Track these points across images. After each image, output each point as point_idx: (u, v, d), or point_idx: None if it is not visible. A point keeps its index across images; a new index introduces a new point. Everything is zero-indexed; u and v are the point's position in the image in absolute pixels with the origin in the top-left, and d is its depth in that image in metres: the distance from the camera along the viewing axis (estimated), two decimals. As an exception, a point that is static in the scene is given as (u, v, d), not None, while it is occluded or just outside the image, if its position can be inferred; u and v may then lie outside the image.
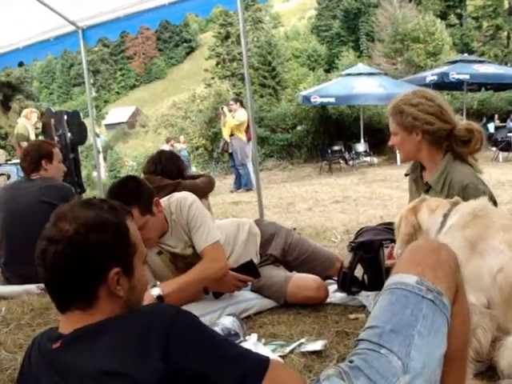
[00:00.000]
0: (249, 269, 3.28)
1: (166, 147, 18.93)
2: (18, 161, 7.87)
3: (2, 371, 2.83)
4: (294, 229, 4.43)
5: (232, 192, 13.32)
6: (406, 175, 3.33)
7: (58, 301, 1.58)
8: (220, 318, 3.02)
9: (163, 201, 3.29)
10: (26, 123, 10.11)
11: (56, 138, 8.61)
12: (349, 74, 20.02)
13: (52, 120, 8.56)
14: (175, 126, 28.95)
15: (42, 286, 4.18)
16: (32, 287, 4.23)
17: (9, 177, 7.11)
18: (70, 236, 1.51)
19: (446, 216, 2.48)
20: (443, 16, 47.49)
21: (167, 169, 4.44)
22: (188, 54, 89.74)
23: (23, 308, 3.77)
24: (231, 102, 13.90)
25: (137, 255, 1.65)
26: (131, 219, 1.70)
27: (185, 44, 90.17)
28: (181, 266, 3.34)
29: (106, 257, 1.56)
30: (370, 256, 3.29)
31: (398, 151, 3.23)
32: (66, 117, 8.46)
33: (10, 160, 8.17)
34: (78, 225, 1.53)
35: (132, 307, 1.62)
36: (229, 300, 3.36)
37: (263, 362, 1.49)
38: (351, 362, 1.60)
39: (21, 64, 9.51)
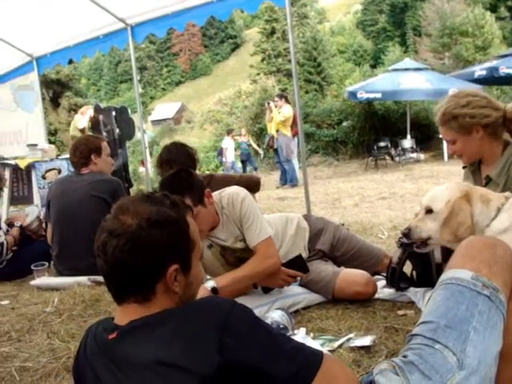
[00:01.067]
0: (297, 264, 3.28)
1: (228, 139, 18.91)
2: (68, 155, 8.02)
3: (56, 359, 2.90)
4: (343, 224, 4.42)
5: (278, 188, 13.33)
6: (464, 167, 3.28)
7: (116, 293, 1.61)
8: (269, 312, 3.03)
9: (214, 195, 3.33)
10: (80, 119, 10.30)
11: (104, 134, 8.72)
12: (395, 70, 19.76)
13: (100, 116, 8.67)
14: (221, 122, 29.10)
15: (92, 278, 4.28)
16: (83, 279, 4.32)
17: (60, 171, 7.23)
18: (132, 231, 1.53)
19: (499, 210, 2.42)
20: (493, 9, 46.35)
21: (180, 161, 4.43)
22: (233, 50, 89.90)
23: (75, 299, 3.86)
24: (276, 99, 13.91)
25: (195, 252, 1.67)
26: (191, 215, 1.71)
27: (230, 40, 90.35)
28: (231, 260, 3.37)
29: (167, 253, 1.57)
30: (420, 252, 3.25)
31: (459, 157, 3.14)
32: (114, 113, 8.55)
33: (59, 155, 8.29)
34: (140, 219, 1.54)
35: (186, 302, 1.64)
36: (277, 294, 3.37)
37: (318, 356, 1.50)
38: (405, 356, 1.59)
39: (70, 61, 9.70)
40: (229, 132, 20.06)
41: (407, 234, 2.66)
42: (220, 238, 3.34)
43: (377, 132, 20.62)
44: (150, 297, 1.57)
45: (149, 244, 1.54)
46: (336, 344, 2.70)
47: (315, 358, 1.50)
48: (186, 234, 1.63)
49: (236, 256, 3.35)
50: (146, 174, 9.17)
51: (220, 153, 20.68)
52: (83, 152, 4.78)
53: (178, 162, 4.28)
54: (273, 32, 52.95)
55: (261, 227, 3.25)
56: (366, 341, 2.69)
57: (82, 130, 10.36)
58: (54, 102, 35.34)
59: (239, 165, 20.27)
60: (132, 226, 1.53)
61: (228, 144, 19.11)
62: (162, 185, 3.10)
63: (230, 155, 19.33)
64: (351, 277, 3.45)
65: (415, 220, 2.66)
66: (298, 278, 3.44)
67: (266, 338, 1.49)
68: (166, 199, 1.65)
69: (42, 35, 8.50)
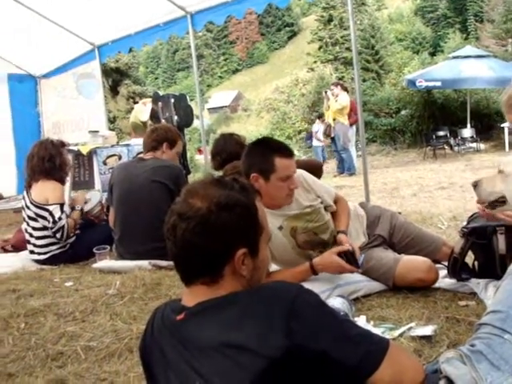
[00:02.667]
0: (350, 258, 3.23)
1: (318, 123, 18.62)
2: (129, 142, 8.17)
3: (119, 340, 2.98)
4: (400, 213, 4.38)
5: (335, 176, 13.27)
6: None
7: (184, 275, 1.62)
8: (329, 299, 3.04)
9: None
10: (143, 109, 10.45)
11: (163, 121, 8.83)
12: (456, 57, 19.31)
13: (159, 103, 8.77)
14: (278, 110, 29.04)
15: (153, 262, 4.36)
16: (144, 263, 4.40)
17: (120, 157, 7.37)
18: (202, 214, 1.54)
19: None
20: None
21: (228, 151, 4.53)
22: (290, 38, 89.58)
23: (136, 282, 3.93)
24: (332, 87, 13.81)
25: (263, 236, 1.67)
26: (259, 199, 1.72)
27: (287, 28, 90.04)
28: (301, 241, 3.40)
29: (235, 237, 1.58)
30: (483, 242, 3.19)
31: None
32: (172, 100, 8.63)
33: (119, 142, 8.46)
34: (209, 203, 1.55)
35: (253, 286, 1.65)
36: (338, 281, 3.37)
37: (384, 343, 1.50)
38: (472, 345, 1.56)
39: (131, 49, 9.85)
40: (319, 116, 19.55)
41: (475, 185, 2.67)
42: (291, 209, 3.41)
43: (436, 121, 20.23)
44: (217, 279, 1.58)
45: (218, 227, 1.54)
46: (397, 333, 2.69)
47: (381, 344, 1.50)
48: (255, 219, 1.64)
49: (306, 235, 3.38)
50: (205, 161, 9.23)
51: (309, 137, 20.55)
52: (159, 136, 4.88)
53: (225, 152, 4.47)
54: (330, 19, 52.39)
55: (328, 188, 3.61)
56: (428, 330, 2.66)
57: (145, 123, 10.50)
58: (113, 90, 35.88)
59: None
60: (201, 209, 1.54)
61: (318, 128, 18.69)
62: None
63: (320, 139, 18.89)
64: (412, 263, 3.42)
65: (485, 177, 2.66)
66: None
67: (332, 323, 1.49)
68: (235, 183, 1.65)
69: (103, 24, 8.67)
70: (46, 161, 5.05)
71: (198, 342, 1.51)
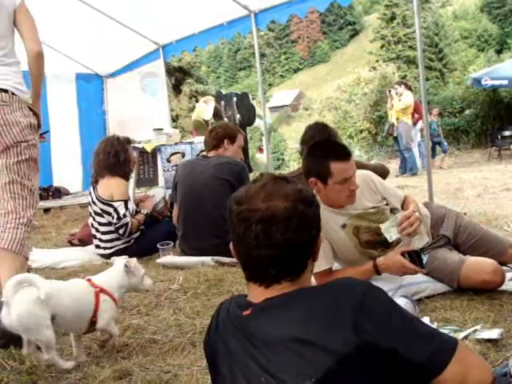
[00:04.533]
0: (415, 258, 3.19)
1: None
2: (192, 140, 8.26)
3: (183, 334, 3.03)
4: (465, 213, 4.30)
5: (397, 176, 13.09)
6: None
7: (273, 276, 1.60)
8: (393, 299, 3.01)
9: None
10: (205, 108, 10.58)
11: (225, 119, 8.92)
12: (524, 55, 18.85)
13: (222, 102, 8.87)
14: (339, 109, 28.83)
15: (216, 258, 4.41)
16: (207, 259, 4.46)
17: (183, 155, 7.46)
18: (290, 213, 1.55)
19: None
20: None
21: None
22: (352, 36, 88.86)
23: (199, 278, 3.98)
24: (396, 86, 13.64)
25: None
26: None
27: (349, 27, 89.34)
28: (363, 240, 3.39)
29: (318, 228, 1.63)
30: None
31: None
32: (235, 99, 8.73)
33: (181, 140, 8.57)
34: (292, 200, 1.57)
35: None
36: (401, 281, 3.34)
37: (452, 343, 1.49)
38: None
39: (194, 48, 9.96)
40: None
41: None
42: (355, 208, 3.40)
43: (501, 121, 19.72)
44: (301, 274, 1.61)
45: (309, 218, 1.59)
46: (461, 335, 2.65)
47: (450, 343, 1.48)
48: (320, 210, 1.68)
49: (369, 234, 3.36)
50: (267, 160, 9.26)
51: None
52: (219, 134, 4.97)
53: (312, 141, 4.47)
54: (393, 18, 51.76)
55: (397, 192, 3.60)
56: (494, 334, 2.61)
57: (207, 122, 10.61)
58: (176, 88, 36.27)
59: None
60: (288, 209, 1.55)
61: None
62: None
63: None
64: (478, 264, 3.36)
65: None
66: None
67: (401, 321, 1.49)
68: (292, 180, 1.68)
69: (168, 24, 8.79)
70: (111, 157, 5.16)
71: (265, 338, 1.52)
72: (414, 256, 3.14)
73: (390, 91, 13.77)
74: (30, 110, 3.46)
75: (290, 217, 1.55)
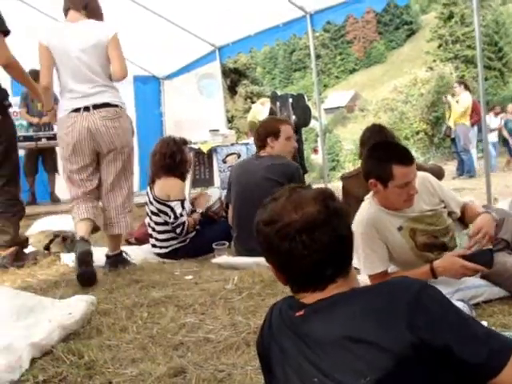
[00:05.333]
0: (484, 257, 3.12)
1: (492, 116, 17.60)
2: (247, 141, 8.32)
3: (237, 334, 3.04)
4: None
5: (454, 178, 12.86)
6: None
7: (328, 277, 1.60)
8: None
9: None
10: (261, 109, 10.61)
11: (280, 121, 8.89)
12: None
13: (277, 103, 8.87)
14: (395, 110, 28.56)
15: (271, 259, 4.40)
16: (262, 260, 4.43)
17: (239, 156, 7.52)
18: (325, 213, 1.56)
19: None
20: None
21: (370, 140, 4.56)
22: (408, 36, 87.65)
23: (253, 278, 3.98)
24: (455, 85, 13.41)
25: None
26: None
27: (405, 26, 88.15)
28: (420, 242, 3.34)
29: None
30: None
31: None
32: (290, 100, 8.71)
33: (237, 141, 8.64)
34: (321, 201, 1.58)
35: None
36: (458, 285, 3.29)
37: (510, 345, 1.45)
38: None
39: (250, 50, 10.02)
40: (491, 108, 18.04)
41: None
42: (412, 211, 3.36)
43: None
44: (348, 271, 1.62)
45: (343, 213, 1.61)
46: (520, 341, 2.58)
47: (508, 346, 1.44)
48: None
49: (425, 237, 3.32)
50: (323, 161, 9.24)
51: None
52: (260, 135, 4.96)
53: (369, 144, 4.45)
54: (451, 16, 50.72)
55: (456, 196, 3.54)
56: (553, 339, 2.54)
57: (263, 122, 10.65)
58: (232, 90, 36.55)
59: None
60: (321, 210, 1.57)
61: (492, 122, 17.36)
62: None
63: (493, 134, 17.50)
64: None
65: None
66: None
67: (457, 320, 1.47)
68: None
69: (224, 26, 8.87)
70: (167, 157, 5.23)
71: (318, 337, 1.51)
72: (475, 257, 3.09)
73: (446, 97, 13.56)
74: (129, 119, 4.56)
75: (327, 216, 1.56)
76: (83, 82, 4.33)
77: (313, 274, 1.60)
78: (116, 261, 4.61)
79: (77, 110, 4.31)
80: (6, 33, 4.49)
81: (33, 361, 2.81)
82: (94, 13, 4.51)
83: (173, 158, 5.25)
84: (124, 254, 4.72)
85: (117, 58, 4.31)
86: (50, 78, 4.40)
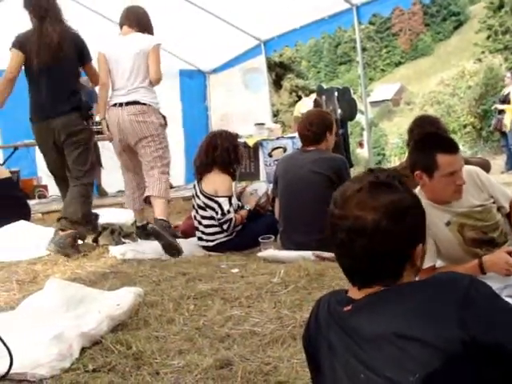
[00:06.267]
0: None
1: None
2: (293, 135, 8.30)
3: (283, 327, 3.05)
4: None
5: (503, 173, 12.61)
6: None
7: (362, 283, 1.60)
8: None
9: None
10: (307, 103, 10.58)
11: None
12: None
13: (323, 96, 8.84)
14: (442, 104, 28.13)
15: (317, 253, 4.39)
16: (308, 254, 4.45)
17: (285, 150, 7.51)
18: (377, 226, 1.52)
19: None
20: None
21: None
22: (456, 28, 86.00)
23: (300, 272, 3.96)
24: (508, 74, 13.10)
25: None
26: None
27: (453, 17, 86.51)
28: (468, 238, 3.29)
29: (414, 237, 1.58)
30: None
31: None
32: (336, 93, 8.67)
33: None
34: (383, 213, 1.52)
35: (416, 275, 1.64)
36: (507, 281, 3.22)
37: None
38: None
39: (295, 43, 10.00)
40: None
41: None
42: (461, 205, 3.30)
43: None
44: (398, 278, 1.58)
45: (396, 234, 1.53)
46: None
47: None
48: (424, 213, 1.64)
49: (474, 232, 3.27)
50: (368, 154, 9.16)
51: None
52: (320, 127, 4.89)
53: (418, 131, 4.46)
54: (501, 6, 49.48)
55: (504, 189, 3.41)
56: None
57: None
58: (277, 84, 36.46)
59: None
60: (376, 221, 1.52)
61: None
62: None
63: None
64: None
65: None
66: None
67: (508, 317, 1.44)
68: (399, 184, 1.62)
69: (269, 19, 8.86)
70: (220, 152, 5.23)
71: (366, 334, 1.50)
72: None
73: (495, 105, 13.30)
74: (160, 114, 5.29)
75: (374, 231, 1.51)
76: (125, 82, 5.19)
77: (364, 274, 1.59)
78: (156, 223, 5.00)
79: (115, 105, 5.23)
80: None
81: (82, 350, 2.87)
82: (144, 27, 5.35)
83: (226, 153, 5.27)
84: (158, 226, 4.95)
85: (153, 65, 5.16)
86: (107, 79, 5.31)
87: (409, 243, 1.56)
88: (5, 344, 1.46)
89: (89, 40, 5.48)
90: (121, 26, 5.43)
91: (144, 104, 5.17)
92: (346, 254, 1.58)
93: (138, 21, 5.34)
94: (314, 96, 10.17)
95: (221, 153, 5.25)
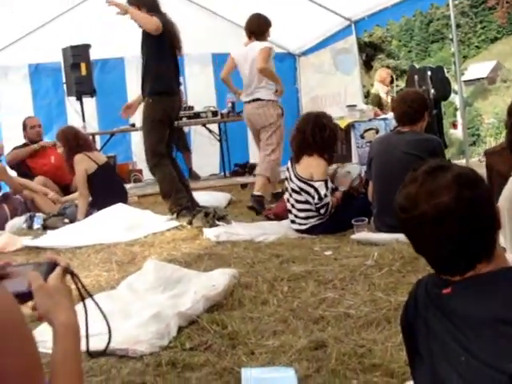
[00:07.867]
0: None
1: None
2: (386, 116, 8.18)
3: (377, 310, 3.04)
4: None
5: None
6: None
7: (463, 267, 1.55)
8: None
9: None
10: (380, 87, 10.39)
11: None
12: None
13: (415, 76, 8.64)
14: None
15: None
16: (402, 236, 4.37)
17: (377, 131, 7.42)
18: (457, 203, 1.50)
19: None
20: None
21: None
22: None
23: (394, 255, 3.92)
24: None
25: None
26: None
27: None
28: None
29: (491, 203, 1.58)
30: None
31: None
32: (429, 73, 8.45)
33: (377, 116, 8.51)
34: (455, 190, 1.50)
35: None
36: None
37: None
38: None
39: (386, 22, 9.81)
40: None
41: None
42: None
43: None
44: (493, 250, 1.54)
45: (479, 198, 1.52)
46: None
47: None
48: None
49: None
50: (463, 135, 8.90)
51: None
52: (421, 105, 4.79)
53: None
54: None
55: None
56: None
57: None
58: (367, 64, 35.96)
59: None
60: (452, 201, 1.50)
61: None
62: None
63: None
64: None
65: None
66: None
67: None
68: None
69: (359, -1, 8.75)
70: (318, 135, 5.11)
71: (467, 317, 1.48)
72: None
73: None
74: (278, 107, 6.79)
75: (459, 207, 1.49)
76: (250, 83, 6.75)
77: (445, 265, 1.57)
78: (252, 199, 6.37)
79: (245, 102, 6.91)
80: None
81: (179, 329, 2.97)
82: (260, 36, 6.78)
83: (324, 136, 5.15)
84: (253, 200, 6.34)
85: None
86: (228, 74, 7.07)
87: (493, 209, 1.55)
88: (106, 320, 1.53)
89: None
90: (247, 35, 6.90)
91: (262, 100, 6.72)
92: (446, 242, 1.53)
93: (253, 33, 6.83)
94: (386, 79, 10.05)
95: (329, 133, 5.18)
